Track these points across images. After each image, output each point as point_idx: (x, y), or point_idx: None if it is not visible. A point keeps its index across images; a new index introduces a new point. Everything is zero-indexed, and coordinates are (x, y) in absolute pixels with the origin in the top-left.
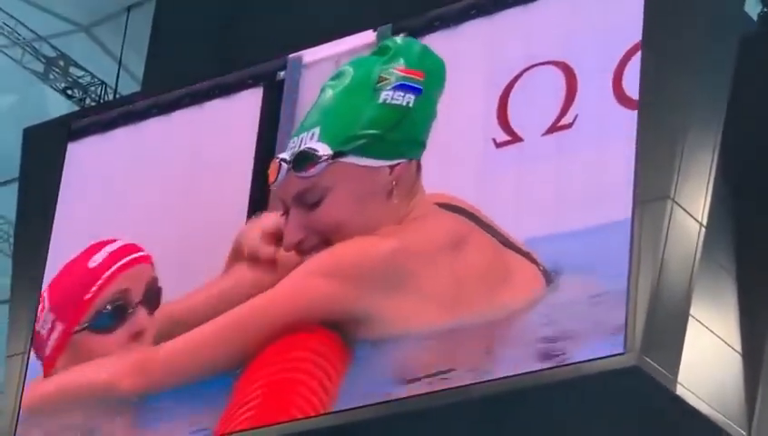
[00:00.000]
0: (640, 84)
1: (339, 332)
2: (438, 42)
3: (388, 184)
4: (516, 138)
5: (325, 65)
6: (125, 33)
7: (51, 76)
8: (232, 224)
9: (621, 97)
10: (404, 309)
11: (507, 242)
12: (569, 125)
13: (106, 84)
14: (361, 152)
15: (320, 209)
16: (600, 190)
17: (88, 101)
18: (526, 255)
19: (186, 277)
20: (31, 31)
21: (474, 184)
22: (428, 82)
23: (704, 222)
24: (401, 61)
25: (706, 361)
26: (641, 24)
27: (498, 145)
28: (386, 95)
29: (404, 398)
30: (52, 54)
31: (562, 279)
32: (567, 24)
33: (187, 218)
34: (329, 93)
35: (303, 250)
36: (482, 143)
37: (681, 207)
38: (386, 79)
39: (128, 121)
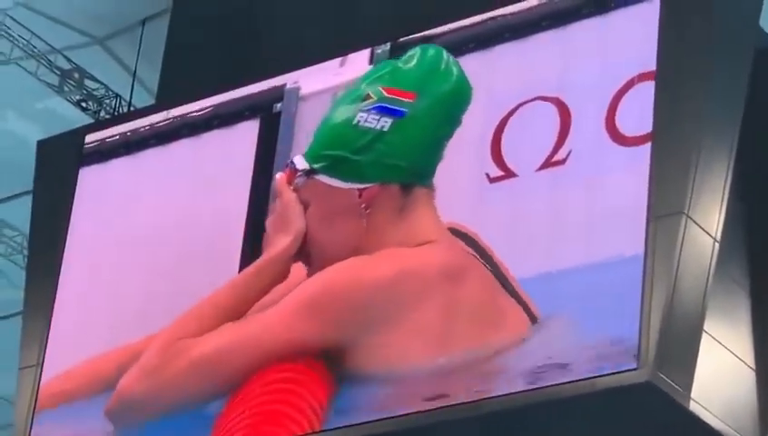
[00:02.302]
0: (654, 100)
1: (326, 364)
2: None
3: (357, 207)
4: (509, 173)
5: (322, 98)
6: (140, 46)
7: (66, 89)
8: (228, 256)
9: (614, 134)
10: (388, 346)
11: (504, 282)
12: (563, 161)
13: (121, 97)
14: (329, 171)
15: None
16: (593, 228)
17: (102, 113)
18: (518, 298)
19: (181, 306)
20: (46, 43)
21: (468, 220)
22: (424, 104)
23: (718, 238)
24: (397, 77)
25: (720, 377)
26: (635, 60)
27: (492, 181)
28: (360, 117)
29: (408, 414)
30: (66, 66)
31: (551, 324)
32: (562, 59)
33: (183, 249)
34: (334, 105)
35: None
36: (476, 179)
37: (695, 222)
38: (370, 98)
39: (127, 151)
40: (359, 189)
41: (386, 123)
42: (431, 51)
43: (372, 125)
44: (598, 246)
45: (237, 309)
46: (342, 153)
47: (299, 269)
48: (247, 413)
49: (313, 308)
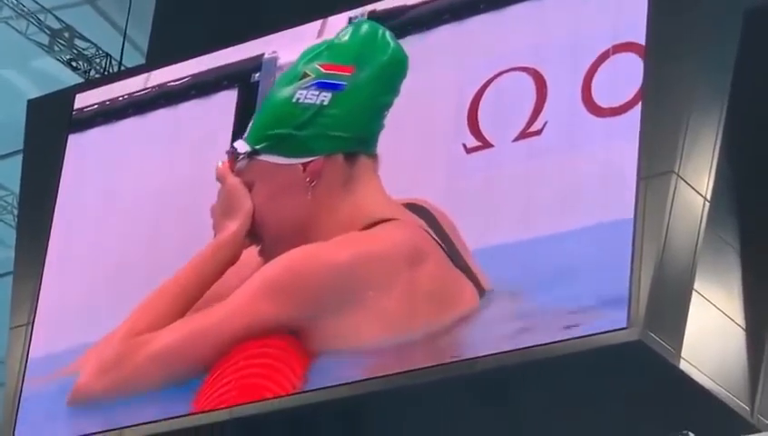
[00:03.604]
0: (645, 61)
1: (298, 338)
2: (411, 45)
3: (302, 181)
4: (486, 144)
5: None
6: (130, 5)
7: (56, 48)
8: (203, 224)
9: (590, 105)
10: (349, 327)
11: (457, 260)
12: (539, 132)
13: (111, 57)
14: (272, 150)
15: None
16: (569, 197)
17: (93, 73)
18: (470, 274)
19: (157, 272)
20: (36, 2)
21: (443, 189)
22: (364, 75)
23: (709, 197)
24: (333, 53)
25: (710, 336)
26: (610, 32)
27: (469, 151)
28: (299, 95)
29: (396, 373)
30: (57, 25)
31: (516, 293)
32: (538, 31)
33: (160, 216)
34: (274, 88)
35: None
36: (452, 148)
37: (685, 181)
38: (307, 76)
39: (106, 120)
40: (302, 163)
41: (325, 97)
42: (365, 25)
43: (312, 101)
44: (572, 215)
45: (198, 288)
46: (285, 130)
47: (249, 250)
48: (228, 386)
49: (275, 289)
